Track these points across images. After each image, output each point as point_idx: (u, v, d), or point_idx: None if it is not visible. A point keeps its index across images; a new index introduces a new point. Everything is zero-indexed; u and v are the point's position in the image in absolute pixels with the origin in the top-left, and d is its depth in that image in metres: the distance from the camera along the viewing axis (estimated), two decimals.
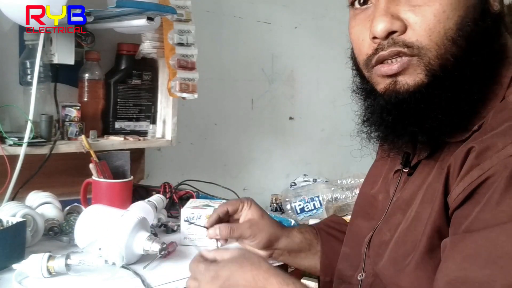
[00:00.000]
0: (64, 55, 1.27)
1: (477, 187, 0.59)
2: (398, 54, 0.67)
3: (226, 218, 1.01)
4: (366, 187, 0.93)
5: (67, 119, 1.30)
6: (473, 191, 0.59)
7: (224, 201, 1.23)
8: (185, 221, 1.11)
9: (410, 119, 0.67)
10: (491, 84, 0.67)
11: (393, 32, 0.66)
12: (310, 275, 1.42)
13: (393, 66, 0.67)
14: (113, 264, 0.91)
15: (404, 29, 0.66)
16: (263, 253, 1.00)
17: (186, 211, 1.13)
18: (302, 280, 1.38)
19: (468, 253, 0.58)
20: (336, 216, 1.15)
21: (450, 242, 0.61)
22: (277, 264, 1.03)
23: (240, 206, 1.01)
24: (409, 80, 0.67)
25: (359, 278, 0.83)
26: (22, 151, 1.17)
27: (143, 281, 0.93)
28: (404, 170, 0.78)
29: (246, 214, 1.01)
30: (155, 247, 0.97)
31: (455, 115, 0.65)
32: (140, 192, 1.35)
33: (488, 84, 0.67)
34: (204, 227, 1.01)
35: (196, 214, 1.12)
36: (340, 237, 1.00)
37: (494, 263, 0.55)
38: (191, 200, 1.24)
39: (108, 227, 0.99)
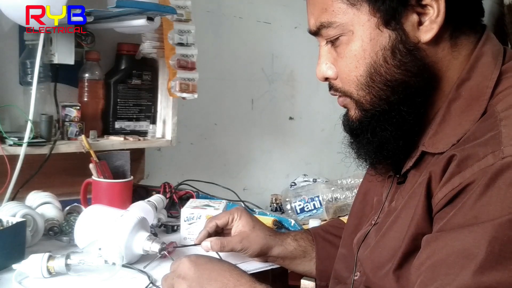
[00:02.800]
0: (64, 55, 1.27)
1: (457, 193, 0.62)
2: (336, 94, 0.78)
3: (219, 230, 1.01)
4: (363, 188, 0.94)
5: (67, 119, 1.30)
6: (454, 196, 0.62)
7: (224, 201, 1.23)
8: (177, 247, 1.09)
9: (361, 142, 0.77)
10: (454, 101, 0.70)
11: (328, 77, 0.78)
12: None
13: (339, 101, 0.79)
14: (113, 264, 0.91)
15: (336, 77, 0.77)
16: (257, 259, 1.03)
17: (186, 211, 1.13)
18: (302, 280, 1.38)
19: (434, 248, 0.62)
20: (338, 219, 1.15)
21: (424, 241, 0.65)
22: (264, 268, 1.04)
23: (229, 218, 1.01)
24: (352, 113, 0.77)
25: (355, 277, 0.83)
26: (22, 151, 1.17)
27: (149, 277, 0.93)
28: (396, 176, 0.80)
29: (237, 225, 1.01)
30: (155, 247, 0.97)
31: (397, 137, 0.73)
32: (140, 192, 1.35)
33: (428, 107, 0.73)
34: (195, 244, 1.01)
35: (196, 214, 1.12)
36: (336, 242, 1.01)
37: (463, 259, 0.58)
38: (191, 200, 1.24)
39: (108, 227, 0.99)
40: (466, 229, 0.59)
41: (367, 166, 0.82)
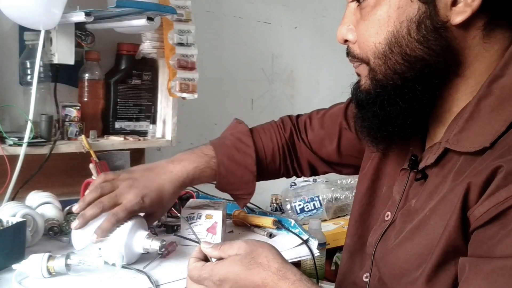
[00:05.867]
0: (64, 55, 1.27)
1: (506, 209, 0.57)
2: (353, 61, 0.75)
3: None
4: (369, 173, 0.89)
5: (67, 119, 1.30)
6: (500, 213, 0.57)
7: (224, 201, 1.23)
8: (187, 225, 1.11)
9: (366, 115, 0.74)
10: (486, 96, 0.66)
11: (348, 40, 0.74)
12: (310, 275, 1.42)
13: (354, 66, 0.75)
14: (113, 264, 0.91)
15: (355, 41, 0.73)
16: None
17: (186, 211, 1.12)
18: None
19: (491, 280, 0.57)
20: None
21: (471, 264, 0.60)
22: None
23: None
24: (362, 83, 0.74)
25: (365, 279, 0.81)
26: (22, 151, 1.17)
27: (149, 278, 0.93)
28: (412, 171, 0.76)
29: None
30: (155, 244, 0.97)
31: (406, 115, 0.70)
32: None
33: (443, 97, 0.70)
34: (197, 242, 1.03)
35: (196, 214, 1.12)
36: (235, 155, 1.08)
37: None
38: (191, 200, 1.24)
39: None
40: None
41: (368, 143, 0.78)
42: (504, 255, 0.56)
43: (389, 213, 0.79)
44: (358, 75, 0.76)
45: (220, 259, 0.75)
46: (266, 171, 1.12)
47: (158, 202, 1.00)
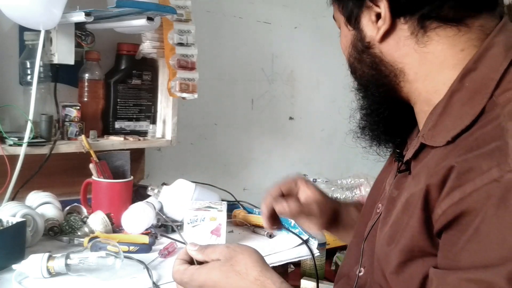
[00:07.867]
0: (64, 55, 1.27)
1: (462, 212, 0.56)
2: None
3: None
4: (380, 177, 0.91)
5: (67, 119, 1.30)
6: (458, 216, 0.57)
7: (224, 202, 1.23)
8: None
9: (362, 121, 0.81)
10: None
11: None
12: (309, 275, 1.42)
13: None
14: (115, 259, 0.91)
15: None
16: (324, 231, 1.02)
17: (189, 213, 1.12)
18: (302, 280, 1.38)
19: None
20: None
21: (438, 278, 0.59)
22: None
23: (293, 185, 0.96)
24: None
25: (357, 273, 0.81)
26: (22, 151, 1.17)
27: (150, 276, 0.93)
28: (398, 162, 0.78)
29: (305, 192, 0.96)
30: None
31: (374, 123, 0.78)
32: (140, 192, 1.35)
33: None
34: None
35: (199, 217, 1.11)
36: None
37: None
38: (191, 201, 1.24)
39: None
40: (492, 269, 0.53)
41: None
42: (470, 266, 0.55)
43: (380, 205, 0.80)
44: None
45: (204, 262, 0.77)
46: None
47: None
